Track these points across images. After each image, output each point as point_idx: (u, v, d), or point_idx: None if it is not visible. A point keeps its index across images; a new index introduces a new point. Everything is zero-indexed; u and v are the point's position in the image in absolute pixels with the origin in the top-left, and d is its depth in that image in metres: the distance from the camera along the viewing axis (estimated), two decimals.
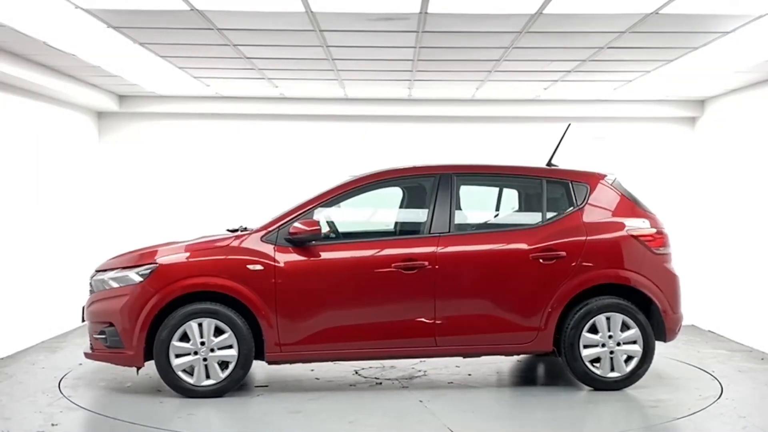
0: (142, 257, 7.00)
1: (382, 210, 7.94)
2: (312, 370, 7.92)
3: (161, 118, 11.48)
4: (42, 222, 9.76)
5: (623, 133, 11.55)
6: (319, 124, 11.55)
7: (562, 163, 7.76)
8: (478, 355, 7.34)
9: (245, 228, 7.37)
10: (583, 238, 7.09)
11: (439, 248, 6.97)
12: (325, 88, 10.34)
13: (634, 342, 7.06)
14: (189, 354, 6.78)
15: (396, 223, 7.79)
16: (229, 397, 6.83)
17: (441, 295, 6.92)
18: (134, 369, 7.18)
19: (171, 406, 6.61)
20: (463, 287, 6.99)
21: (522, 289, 7.03)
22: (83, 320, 7.23)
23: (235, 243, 6.95)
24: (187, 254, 7.01)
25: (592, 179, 7.39)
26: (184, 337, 6.78)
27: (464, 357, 7.56)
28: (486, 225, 7.59)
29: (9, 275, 8.92)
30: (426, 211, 7.15)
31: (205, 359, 6.79)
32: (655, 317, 7.19)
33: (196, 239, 7.35)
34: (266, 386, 7.38)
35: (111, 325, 6.85)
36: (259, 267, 6.83)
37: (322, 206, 7.10)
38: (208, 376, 6.81)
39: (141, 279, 6.83)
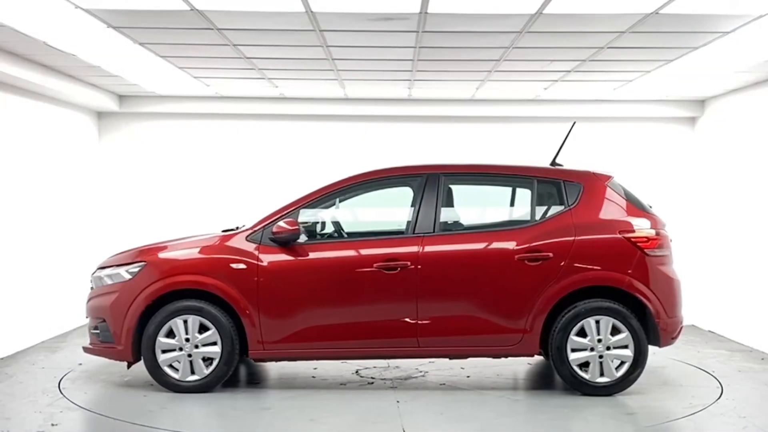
0: (132, 255, 7.21)
1: (369, 210, 7.91)
2: (315, 368, 7.95)
3: (161, 118, 11.48)
4: (42, 222, 9.76)
5: (623, 133, 11.56)
6: (319, 124, 11.55)
7: (568, 162, 7.64)
8: (464, 357, 7.31)
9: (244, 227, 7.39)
10: (572, 238, 6.92)
11: (421, 248, 6.93)
12: (325, 88, 10.34)
13: (626, 346, 6.84)
14: (174, 350, 6.92)
15: (382, 223, 7.79)
16: (214, 393, 6.95)
17: (423, 295, 6.87)
18: (130, 365, 7.27)
19: (156, 401, 6.73)
20: (445, 288, 6.92)
21: (506, 290, 6.89)
22: (86, 316, 7.41)
23: (221, 242, 7.07)
24: (174, 252, 7.16)
25: (586, 179, 7.19)
26: (171, 334, 6.92)
27: (450, 359, 7.59)
28: (473, 225, 7.44)
29: (9, 275, 8.92)
30: (412, 211, 7.11)
31: (189, 355, 6.92)
32: (649, 321, 6.98)
33: (185, 238, 7.51)
34: (257, 383, 7.49)
35: (104, 320, 7.06)
36: (242, 266, 6.92)
37: (307, 207, 7.13)
38: (192, 372, 6.93)
39: (130, 276, 7.01)
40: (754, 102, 9.79)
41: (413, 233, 7.00)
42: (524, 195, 7.33)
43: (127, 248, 7.54)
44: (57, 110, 10.23)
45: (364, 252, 7.00)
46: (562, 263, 6.87)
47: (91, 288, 7.35)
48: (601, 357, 6.85)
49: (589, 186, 7.15)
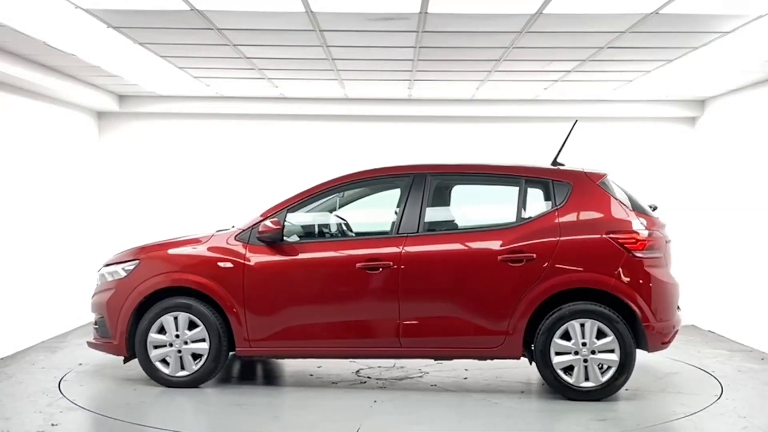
0: (128, 253, 7.39)
1: (356, 210, 7.88)
2: (319, 367, 7.98)
3: (161, 118, 11.48)
4: (42, 222, 9.75)
5: (623, 133, 11.56)
6: (319, 124, 11.55)
7: (569, 161, 7.53)
8: (449, 358, 7.33)
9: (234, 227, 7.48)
10: (556, 239, 6.78)
11: (404, 248, 6.91)
12: (325, 88, 10.34)
13: (612, 351, 6.65)
14: (165, 346, 7.06)
15: (367, 223, 7.80)
16: (202, 388, 7.10)
17: (405, 295, 6.85)
18: (128, 360, 7.36)
19: (146, 396, 6.83)
20: (427, 288, 6.88)
21: (489, 291, 6.80)
22: (92, 312, 7.57)
23: (210, 241, 7.19)
24: (167, 251, 7.31)
25: (575, 178, 7.01)
26: (162, 330, 7.07)
27: (435, 360, 7.59)
28: (458, 225, 7.30)
29: (9, 275, 8.92)
30: (397, 210, 7.10)
31: (179, 351, 7.05)
32: (636, 325, 6.75)
33: (178, 236, 7.64)
34: (252, 380, 7.63)
35: (102, 316, 7.25)
36: (229, 264, 7.01)
37: (296, 206, 7.17)
38: (182, 368, 7.05)
39: (125, 274, 7.18)
40: (754, 102, 9.79)
41: (397, 233, 6.99)
42: (512, 195, 7.12)
43: (130, 246, 7.65)
44: (57, 110, 10.22)
45: (348, 252, 7.03)
46: (545, 264, 6.75)
47: (97, 285, 7.52)
48: (585, 361, 6.69)
49: (578, 185, 6.98)
